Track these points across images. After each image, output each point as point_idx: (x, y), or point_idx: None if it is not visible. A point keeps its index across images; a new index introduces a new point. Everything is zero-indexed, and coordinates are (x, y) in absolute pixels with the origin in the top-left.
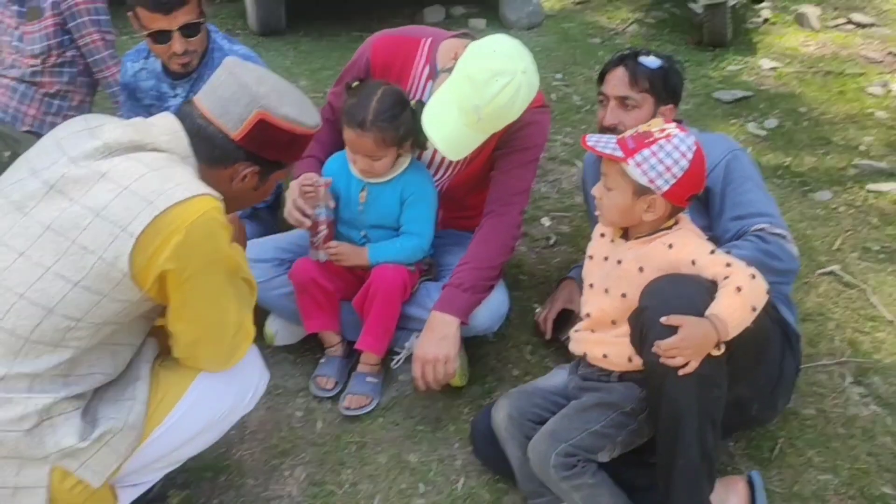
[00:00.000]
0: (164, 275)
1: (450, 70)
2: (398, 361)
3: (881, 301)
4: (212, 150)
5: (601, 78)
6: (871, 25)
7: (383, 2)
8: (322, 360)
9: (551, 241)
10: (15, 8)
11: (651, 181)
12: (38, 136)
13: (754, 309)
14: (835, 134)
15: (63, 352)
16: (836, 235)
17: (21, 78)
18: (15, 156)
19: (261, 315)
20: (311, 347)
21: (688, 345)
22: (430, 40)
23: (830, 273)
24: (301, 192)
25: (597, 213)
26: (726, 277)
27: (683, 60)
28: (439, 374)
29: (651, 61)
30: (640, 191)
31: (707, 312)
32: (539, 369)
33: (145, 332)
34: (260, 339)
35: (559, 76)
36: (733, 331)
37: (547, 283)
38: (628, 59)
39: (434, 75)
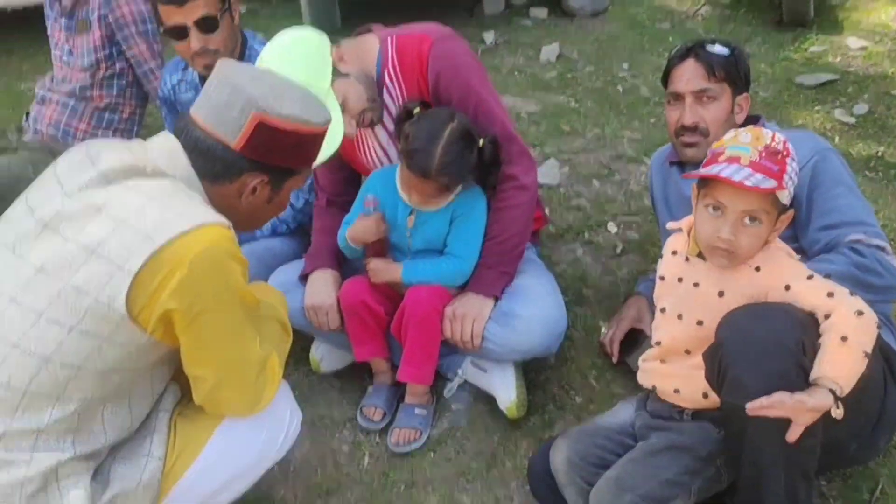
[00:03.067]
0: (169, 315)
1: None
2: (451, 390)
3: None
4: (213, 165)
5: (666, 77)
6: None
7: None
8: (370, 389)
9: (618, 250)
10: (64, 21)
11: (789, 198)
12: None
13: (866, 355)
14: None
15: (67, 404)
16: None
17: (71, 93)
18: None
19: (305, 340)
20: (359, 373)
21: (798, 415)
22: None
23: None
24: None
25: (713, 250)
26: (827, 316)
27: (762, 42)
28: (466, 331)
29: (721, 49)
30: (782, 212)
31: (812, 377)
32: (605, 396)
33: (166, 379)
34: (306, 365)
35: (625, 66)
36: (848, 387)
37: (614, 297)
38: (697, 50)
39: None
